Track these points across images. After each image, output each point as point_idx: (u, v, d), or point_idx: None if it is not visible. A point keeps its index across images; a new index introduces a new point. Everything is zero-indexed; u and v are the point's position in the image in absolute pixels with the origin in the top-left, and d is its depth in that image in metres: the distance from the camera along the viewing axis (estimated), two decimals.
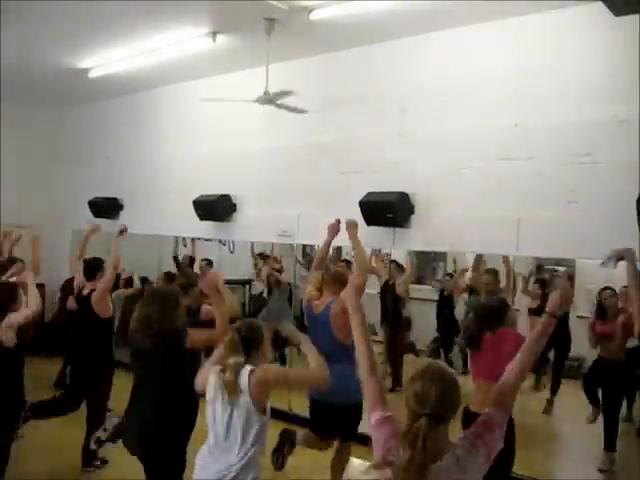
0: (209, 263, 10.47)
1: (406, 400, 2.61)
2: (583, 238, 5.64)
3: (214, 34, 7.22)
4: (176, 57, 8.14)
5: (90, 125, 11.55)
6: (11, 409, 5.51)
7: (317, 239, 8.17)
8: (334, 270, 6.30)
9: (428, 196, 6.77)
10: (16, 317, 5.30)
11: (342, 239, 6.37)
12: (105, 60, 8.60)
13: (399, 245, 7.11)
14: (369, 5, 6.12)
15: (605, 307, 6.78)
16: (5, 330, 5.20)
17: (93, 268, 6.80)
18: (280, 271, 10.19)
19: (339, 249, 8.70)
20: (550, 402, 7.46)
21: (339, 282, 5.52)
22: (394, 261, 8.62)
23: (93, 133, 11.45)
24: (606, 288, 6.91)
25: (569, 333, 7.29)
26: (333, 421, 5.55)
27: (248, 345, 3.66)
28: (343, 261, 9.50)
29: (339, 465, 5.72)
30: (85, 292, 6.61)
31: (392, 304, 8.43)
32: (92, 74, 9.12)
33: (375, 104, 7.33)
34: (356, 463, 5.87)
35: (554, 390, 7.48)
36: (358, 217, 6.89)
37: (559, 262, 7.26)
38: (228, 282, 10.41)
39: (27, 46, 8.15)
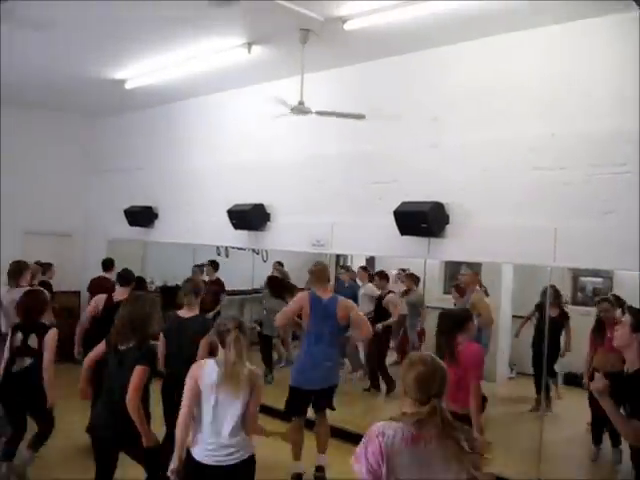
0: (215, 267, 10.58)
1: (406, 388, 2.97)
2: (621, 249, 5.55)
3: (249, 45, 7.26)
4: (211, 68, 8.19)
5: (126, 135, 11.68)
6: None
7: (351, 249, 8.23)
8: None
9: (463, 206, 6.72)
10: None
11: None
12: (141, 71, 8.71)
13: (434, 255, 7.07)
14: (402, 15, 6.11)
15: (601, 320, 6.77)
16: None
17: (126, 277, 7.41)
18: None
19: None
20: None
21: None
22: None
23: (129, 143, 11.57)
24: (603, 300, 6.85)
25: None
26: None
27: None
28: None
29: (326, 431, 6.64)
30: (117, 299, 6.94)
31: None
32: (128, 85, 9.23)
33: (408, 113, 7.31)
34: None
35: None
36: (392, 227, 6.89)
37: (597, 273, 7.19)
38: (257, 291, 10.60)
39: (66, 58, 8.29)
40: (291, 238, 8.53)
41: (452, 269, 8.79)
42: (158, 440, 4.83)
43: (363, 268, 10.24)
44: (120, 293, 7.14)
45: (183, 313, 6.19)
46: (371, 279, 10.00)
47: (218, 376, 4.17)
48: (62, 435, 6.61)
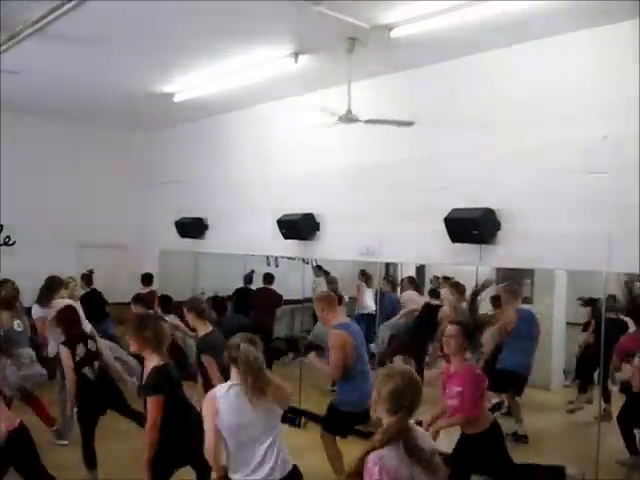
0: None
1: (380, 400, 3.19)
2: None
3: (296, 55, 7.29)
4: (259, 79, 8.25)
5: (176, 147, 11.85)
6: None
7: (400, 257, 8.19)
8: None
9: (514, 211, 6.63)
10: None
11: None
12: (189, 84, 8.81)
13: (485, 262, 6.98)
14: (449, 21, 6.06)
15: None
16: None
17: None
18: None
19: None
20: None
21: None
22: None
23: (179, 155, 11.73)
24: None
25: None
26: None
27: None
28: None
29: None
30: None
31: None
32: (177, 98, 9.35)
33: (456, 119, 7.26)
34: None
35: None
36: (443, 234, 6.83)
37: None
38: (309, 300, 10.58)
39: (115, 74, 8.45)
40: (340, 247, 8.53)
41: (504, 276, 8.66)
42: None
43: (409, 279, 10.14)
44: None
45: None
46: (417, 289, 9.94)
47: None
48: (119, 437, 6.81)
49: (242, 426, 3.89)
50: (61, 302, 7.58)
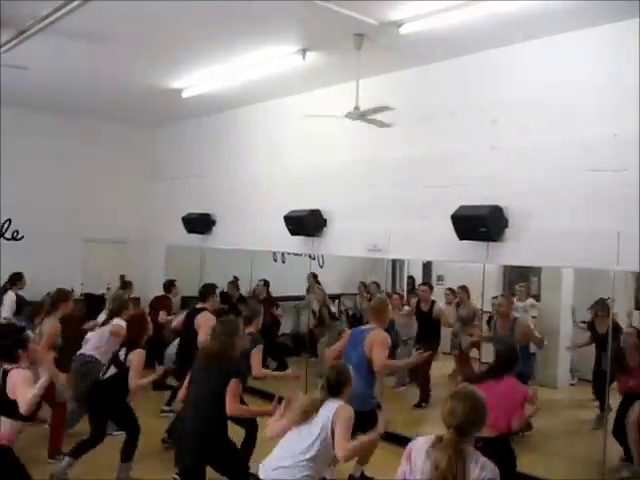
0: (265, 284, 10.73)
1: (442, 415, 3.29)
2: None
3: (304, 51, 7.29)
4: (266, 75, 8.25)
5: (183, 143, 11.85)
6: None
7: (408, 254, 8.18)
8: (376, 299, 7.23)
9: (522, 209, 6.61)
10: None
11: None
12: (197, 80, 8.82)
13: (493, 260, 6.96)
14: (458, 18, 6.05)
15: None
16: None
17: (204, 292, 8.06)
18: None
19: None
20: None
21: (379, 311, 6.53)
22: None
23: (186, 151, 11.73)
24: None
25: None
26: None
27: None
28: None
29: None
30: (198, 306, 7.83)
31: None
32: (185, 94, 9.36)
33: (465, 116, 7.25)
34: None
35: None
36: (450, 231, 6.82)
37: None
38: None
39: (123, 70, 8.47)
40: (347, 243, 8.52)
41: (511, 274, 8.65)
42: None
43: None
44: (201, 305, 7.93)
45: None
46: None
47: None
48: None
49: None
50: None
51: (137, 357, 6.22)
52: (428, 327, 9.17)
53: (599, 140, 6.09)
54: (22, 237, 11.03)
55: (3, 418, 4.80)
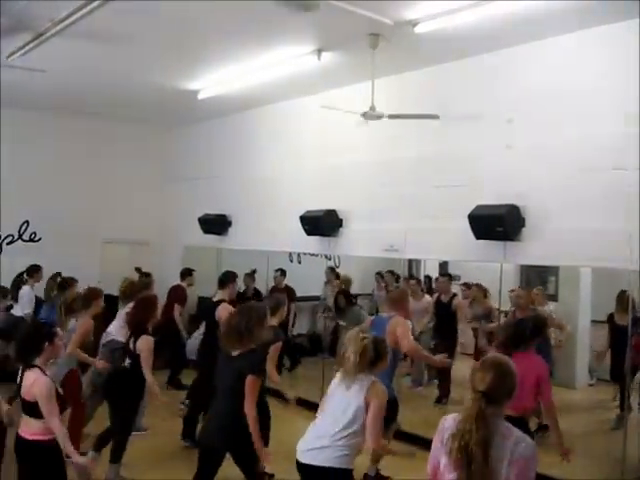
0: (282, 273, 10.66)
1: (470, 383, 3.13)
2: None
3: (319, 51, 7.29)
4: (282, 76, 8.26)
5: (199, 144, 11.89)
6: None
7: (424, 253, 8.15)
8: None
9: (539, 208, 6.58)
10: None
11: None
12: (213, 81, 8.85)
13: (510, 259, 6.93)
14: (473, 17, 6.03)
15: None
16: None
17: (223, 280, 7.86)
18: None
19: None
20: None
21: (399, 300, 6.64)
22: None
23: (202, 152, 11.77)
24: None
25: None
26: None
27: None
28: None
29: None
30: (215, 299, 7.64)
31: None
32: (201, 95, 9.39)
33: (481, 115, 7.20)
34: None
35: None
36: (467, 231, 6.79)
37: None
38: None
39: (139, 71, 8.52)
40: (364, 243, 8.52)
41: (528, 273, 8.59)
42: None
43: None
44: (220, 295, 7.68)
45: None
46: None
47: None
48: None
49: None
50: None
51: (145, 345, 6.06)
52: (447, 320, 9.07)
53: (616, 138, 6.04)
54: (40, 239, 11.12)
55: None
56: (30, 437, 4.48)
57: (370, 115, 6.96)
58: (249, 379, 4.78)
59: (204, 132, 11.79)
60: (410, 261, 9.46)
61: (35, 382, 4.43)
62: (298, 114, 9.70)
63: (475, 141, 7.27)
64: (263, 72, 8.14)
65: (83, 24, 6.32)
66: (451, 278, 9.42)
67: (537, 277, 8.74)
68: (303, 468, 4.26)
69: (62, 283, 8.46)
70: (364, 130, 7.73)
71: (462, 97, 7.45)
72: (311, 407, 7.04)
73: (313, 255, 9.93)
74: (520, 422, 4.92)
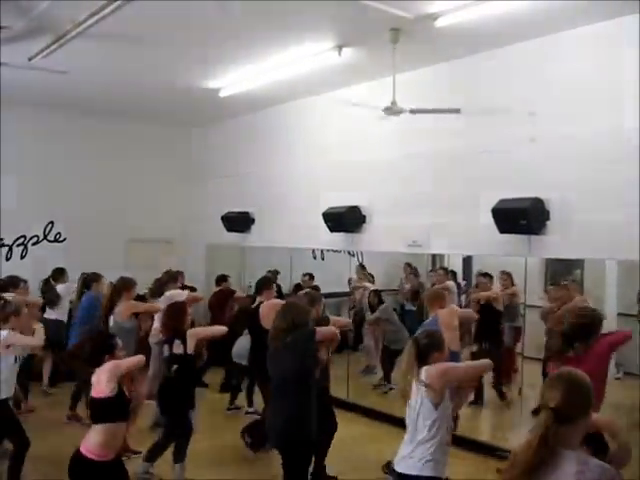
0: (311, 277, 10.70)
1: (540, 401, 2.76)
2: None
3: (339, 48, 7.28)
4: (302, 72, 8.26)
5: (221, 143, 11.92)
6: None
7: (448, 248, 8.12)
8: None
9: (563, 201, 6.52)
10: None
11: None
12: (234, 79, 8.86)
13: (534, 253, 6.88)
14: (494, 9, 5.99)
15: None
16: None
17: (260, 285, 7.87)
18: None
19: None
20: None
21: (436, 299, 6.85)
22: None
23: (224, 151, 11.79)
24: None
25: None
26: None
27: None
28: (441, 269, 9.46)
29: None
30: (254, 305, 7.66)
31: None
32: (222, 93, 9.41)
33: (504, 108, 7.13)
34: None
35: None
36: (490, 225, 6.76)
37: None
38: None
39: (161, 71, 8.54)
40: (387, 239, 8.50)
41: (553, 267, 8.52)
42: None
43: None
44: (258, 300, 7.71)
45: None
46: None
47: None
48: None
49: None
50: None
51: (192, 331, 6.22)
52: (492, 321, 8.75)
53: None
54: (64, 239, 11.21)
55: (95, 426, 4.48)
56: (87, 454, 4.33)
57: (391, 110, 6.94)
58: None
59: (227, 130, 11.82)
60: (434, 256, 9.43)
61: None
62: (319, 111, 9.69)
63: (497, 135, 7.22)
64: (284, 69, 8.14)
65: (104, 25, 6.35)
66: (491, 278, 9.08)
67: (564, 269, 8.65)
68: None
69: (87, 280, 8.54)
70: (385, 125, 7.72)
71: (483, 91, 7.41)
72: (337, 404, 7.06)
73: (336, 251, 9.93)
74: (594, 438, 4.79)
